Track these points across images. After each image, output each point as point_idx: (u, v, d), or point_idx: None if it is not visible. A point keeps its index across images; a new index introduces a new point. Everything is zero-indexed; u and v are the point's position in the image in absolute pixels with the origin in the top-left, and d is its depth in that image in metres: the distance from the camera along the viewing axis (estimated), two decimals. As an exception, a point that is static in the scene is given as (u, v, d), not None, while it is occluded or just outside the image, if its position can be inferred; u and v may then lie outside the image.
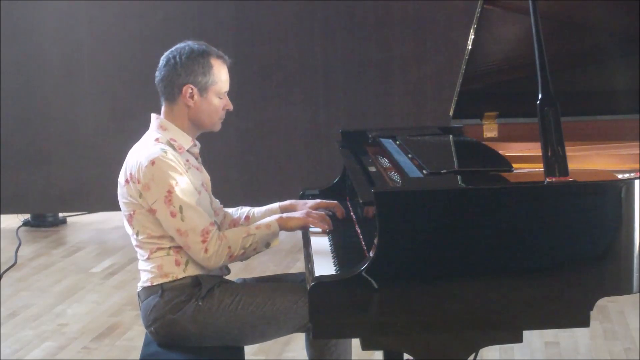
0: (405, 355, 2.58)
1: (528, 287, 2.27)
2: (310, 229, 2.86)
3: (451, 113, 3.23)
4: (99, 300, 4.86)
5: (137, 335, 4.23)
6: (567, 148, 2.33)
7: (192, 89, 2.70)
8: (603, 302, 3.28)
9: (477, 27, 2.99)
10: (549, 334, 4.05)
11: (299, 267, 5.29)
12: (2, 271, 5.43)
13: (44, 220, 6.70)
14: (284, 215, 2.82)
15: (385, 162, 2.95)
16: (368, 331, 2.28)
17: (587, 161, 2.91)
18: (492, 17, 3.04)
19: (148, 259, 2.70)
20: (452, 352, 2.31)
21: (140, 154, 2.66)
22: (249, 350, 3.34)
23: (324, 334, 2.32)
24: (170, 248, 2.67)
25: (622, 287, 2.31)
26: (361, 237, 2.65)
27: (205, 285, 2.65)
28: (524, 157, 2.91)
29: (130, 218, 2.69)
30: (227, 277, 2.82)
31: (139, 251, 2.73)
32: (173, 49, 2.74)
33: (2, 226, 6.70)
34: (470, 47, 3.04)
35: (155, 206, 2.62)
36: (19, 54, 6.27)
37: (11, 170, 6.37)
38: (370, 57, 6.03)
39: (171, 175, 2.61)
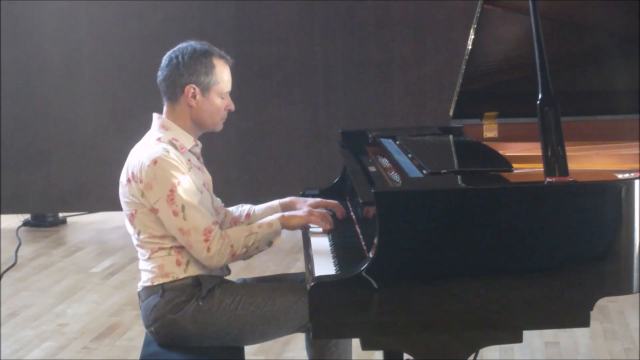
0: (405, 355, 2.58)
1: (528, 287, 2.27)
2: (311, 229, 2.86)
3: (451, 113, 3.23)
4: (99, 300, 4.86)
5: (137, 335, 4.23)
6: (567, 148, 2.33)
7: (194, 88, 2.70)
8: (603, 302, 3.28)
9: (477, 27, 2.99)
10: (549, 334, 4.05)
11: (299, 267, 5.28)
12: (2, 271, 5.43)
13: (44, 220, 6.69)
14: (286, 213, 2.82)
15: (385, 162, 2.94)
16: (368, 331, 2.28)
17: (587, 161, 2.91)
18: (492, 17, 3.04)
19: (149, 258, 2.70)
20: (452, 352, 2.30)
21: (142, 154, 2.66)
22: (249, 350, 3.34)
23: (324, 334, 2.32)
24: (171, 248, 2.67)
25: (622, 287, 2.31)
26: (361, 237, 2.64)
27: (206, 286, 2.65)
28: (524, 157, 2.91)
29: (131, 217, 2.69)
30: (227, 277, 2.83)
31: (140, 251, 2.73)
32: (175, 48, 2.74)
33: (2, 226, 6.70)
34: (470, 47, 3.04)
35: (157, 205, 2.62)
36: (19, 54, 6.26)
37: (11, 170, 6.37)
38: (370, 57, 6.03)
39: (173, 175, 2.61)
